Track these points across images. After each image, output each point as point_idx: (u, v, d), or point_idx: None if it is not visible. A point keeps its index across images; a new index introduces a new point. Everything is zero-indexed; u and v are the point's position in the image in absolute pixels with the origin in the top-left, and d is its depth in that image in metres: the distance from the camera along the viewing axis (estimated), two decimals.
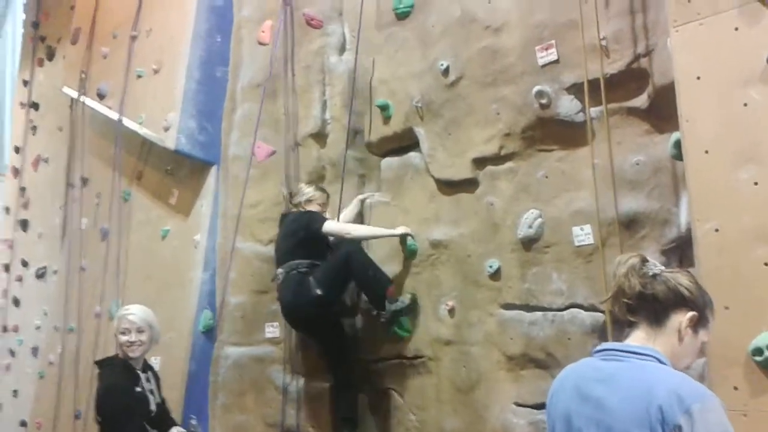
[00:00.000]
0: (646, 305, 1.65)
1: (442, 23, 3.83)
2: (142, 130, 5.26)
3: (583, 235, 3.18)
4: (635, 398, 1.51)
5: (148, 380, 3.39)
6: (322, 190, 4.15)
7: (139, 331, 3.35)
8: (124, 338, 3.33)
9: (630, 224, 3.03)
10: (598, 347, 1.73)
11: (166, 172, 5.30)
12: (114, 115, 5.57)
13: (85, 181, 6.20)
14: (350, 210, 4.12)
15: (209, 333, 4.75)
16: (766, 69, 2.31)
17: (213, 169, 5.00)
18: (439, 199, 3.85)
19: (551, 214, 3.33)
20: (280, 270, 3.90)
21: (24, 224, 7.25)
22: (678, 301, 1.63)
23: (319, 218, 3.90)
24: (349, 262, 3.76)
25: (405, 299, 3.80)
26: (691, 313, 1.63)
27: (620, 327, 1.84)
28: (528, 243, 3.38)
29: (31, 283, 7.00)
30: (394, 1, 4.09)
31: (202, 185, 5.01)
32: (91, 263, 5.93)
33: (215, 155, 5.00)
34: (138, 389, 3.29)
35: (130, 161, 5.62)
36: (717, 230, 2.35)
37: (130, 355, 3.33)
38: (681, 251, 2.90)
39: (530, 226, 3.36)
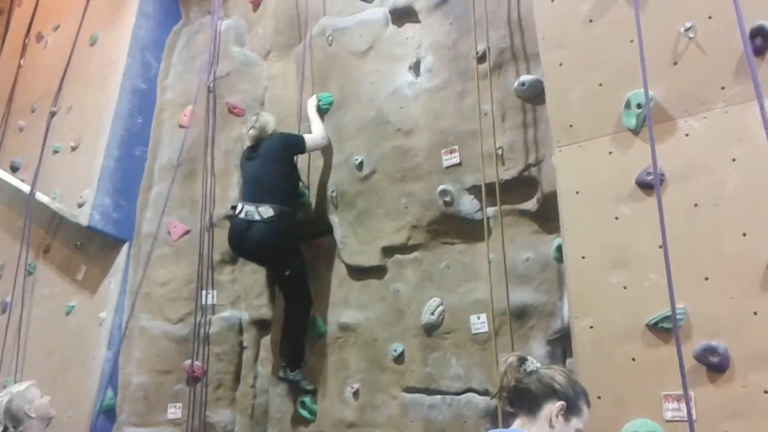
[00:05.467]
0: (521, 397, 1.94)
1: (357, 122, 4.11)
2: (55, 205, 5.19)
3: (480, 323, 3.44)
4: None
5: None
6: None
7: None
8: (48, 398, 3.31)
9: (520, 315, 3.31)
10: None
11: (75, 246, 5.22)
12: (26, 188, 5.48)
13: None
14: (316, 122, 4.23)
15: (110, 413, 4.63)
16: (635, 189, 2.65)
17: (125, 246, 4.98)
18: (349, 284, 4.03)
19: (452, 302, 3.58)
20: (250, 207, 3.90)
21: None
22: (549, 393, 1.92)
23: (300, 139, 4.07)
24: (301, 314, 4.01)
25: (309, 384, 3.95)
26: (560, 403, 1.91)
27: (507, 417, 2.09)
28: (430, 329, 3.60)
29: None
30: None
31: (112, 262, 4.96)
32: None
33: (128, 232, 5.00)
34: None
35: (38, 234, 5.49)
36: (592, 327, 2.63)
37: (52, 413, 3.30)
38: (565, 342, 3.17)
39: (432, 313, 3.60)
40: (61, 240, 5.38)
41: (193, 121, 4.90)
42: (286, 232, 3.94)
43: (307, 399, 3.93)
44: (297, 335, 4.02)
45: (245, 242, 3.94)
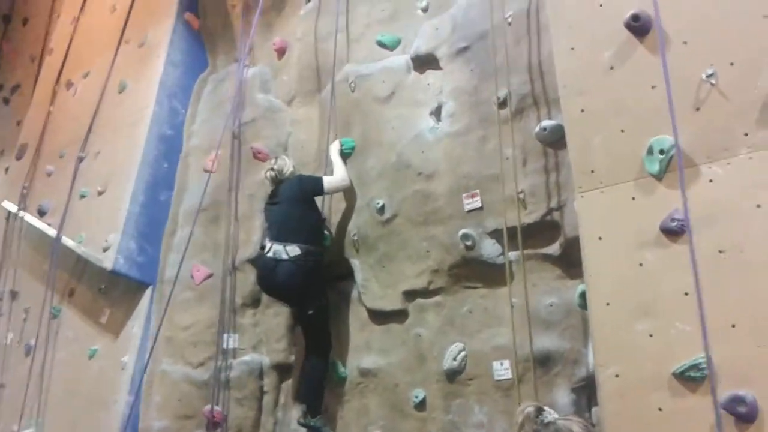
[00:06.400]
0: None
1: (380, 166, 4.15)
2: (80, 249, 5.27)
3: (503, 369, 3.39)
4: None
5: None
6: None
7: None
8: None
9: (544, 361, 3.26)
10: None
11: (99, 290, 5.28)
12: (53, 233, 5.58)
13: (14, 295, 6.07)
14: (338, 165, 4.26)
15: None
16: (659, 235, 2.61)
17: (148, 290, 5.03)
18: (370, 328, 4.01)
19: (474, 347, 3.54)
20: (278, 246, 3.94)
21: None
22: None
23: (318, 181, 4.13)
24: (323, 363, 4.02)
25: (327, 429, 3.90)
26: None
27: None
28: (452, 375, 3.56)
29: None
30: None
31: (136, 306, 5.00)
32: (12, 380, 5.68)
33: (152, 276, 5.05)
34: None
35: (62, 277, 5.57)
36: (617, 376, 2.57)
37: None
38: (590, 390, 3.10)
39: (455, 359, 3.56)
40: (85, 284, 5.44)
41: (218, 166, 4.98)
42: (312, 271, 3.96)
43: None
44: (317, 378, 4.00)
45: (272, 281, 3.98)
